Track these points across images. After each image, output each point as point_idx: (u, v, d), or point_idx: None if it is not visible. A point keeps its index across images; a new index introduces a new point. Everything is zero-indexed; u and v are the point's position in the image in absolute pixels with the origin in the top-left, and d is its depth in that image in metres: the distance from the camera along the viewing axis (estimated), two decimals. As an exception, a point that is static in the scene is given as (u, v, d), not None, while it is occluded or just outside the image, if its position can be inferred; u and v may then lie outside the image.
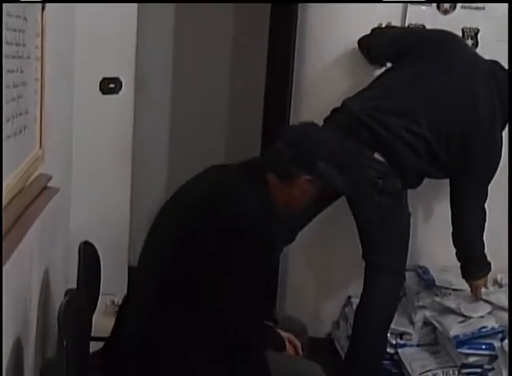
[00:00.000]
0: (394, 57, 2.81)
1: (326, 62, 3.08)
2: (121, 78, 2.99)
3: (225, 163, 2.16)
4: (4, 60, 1.44)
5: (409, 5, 2.97)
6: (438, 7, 2.97)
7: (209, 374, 1.92)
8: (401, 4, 2.98)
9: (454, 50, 2.72)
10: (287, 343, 2.09)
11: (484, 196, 2.70)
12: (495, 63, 2.72)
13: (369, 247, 2.72)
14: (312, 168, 1.98)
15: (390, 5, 2.97)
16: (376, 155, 2.61)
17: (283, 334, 2.10)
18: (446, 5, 2.97)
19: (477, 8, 2.96)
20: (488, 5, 2.96)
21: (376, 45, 2.93)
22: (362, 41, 2.96)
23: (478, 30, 2.97)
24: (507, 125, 2.72)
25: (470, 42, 2.95)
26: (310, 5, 3.02)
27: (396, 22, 2.99)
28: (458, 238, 2.75)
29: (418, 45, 2.76)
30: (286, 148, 2.00)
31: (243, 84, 3.82)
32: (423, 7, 2.97)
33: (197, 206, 1.94)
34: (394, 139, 2.59)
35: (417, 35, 2.88)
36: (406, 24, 2.99)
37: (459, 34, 2.93)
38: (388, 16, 2.96)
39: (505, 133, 2.78)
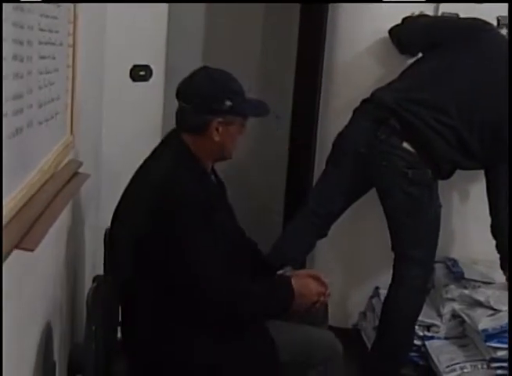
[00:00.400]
0: (426, 47, 2.78)
1: (357, 51, 3.06)
2: (152, 66, 3.00)
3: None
4: (37, 47, 1.45)
5: (442, -7, 2.93)
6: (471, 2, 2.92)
7: (213, 354, 1.90)
8: (434, -7, 2.94)
9: (486, 39, 2.68)
10: (310, 283, 2.05)
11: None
12: None
13: (399, 238, 2.70)
14: (216, 108, 1.94)
15: (423, -6, 2.93)
16: (406, 145, 2.59)
17: (296, 276, 2.07)
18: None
19: (512, -4, 2.91)
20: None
21: (408, 34, 2.90)
22: (393, 31, 2.93)
23: None
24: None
25: (504, 31, 2.90)
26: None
27: (429, 11, 2.95)
28: (496, 229, 2.72)
29: (449, 34, 2.73)
30: (183, 103, 1.98)
31: (272, 73, 3.80)
32: (456, 3, 2.92)
33: (144, 202, 1.93)
34: (425, 129, 2.57)
35: (449, 24, 2.84)
36: (439, 13, 2.96)
37: (494, 22, 2.88)
38: (421, 5, 2.92)
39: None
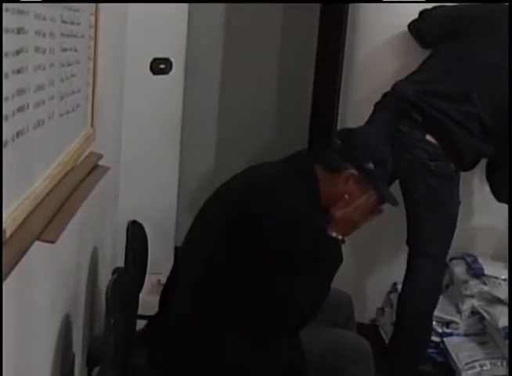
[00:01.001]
0: (445, 37, 2.74)
1: (378, 46, 3.03)
2: (172, 59, 3.00)
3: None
4: (59, 39, 1.45)
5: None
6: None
7: (240, 354, 1.91)
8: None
9: (505, 25, 2.63)
10: None
11: None
12: None
13: (416, 232, 2.69)
14: (360, 162, 1.96)
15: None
16: (429, 137, 2.57)
17: None
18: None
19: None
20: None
21: (427, 27, 2.86)
22: (412, 26, 2.91)
23: None
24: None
25: None
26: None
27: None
28: None
29: (468, 22, 2.68)
30: (338, 141, 1.99)
31: (292, 68, 3.79)
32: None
33: (239, 195, 1.93)
34: (447, 121, 2.55)
35: (466, 12, 2.77)
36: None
37: None
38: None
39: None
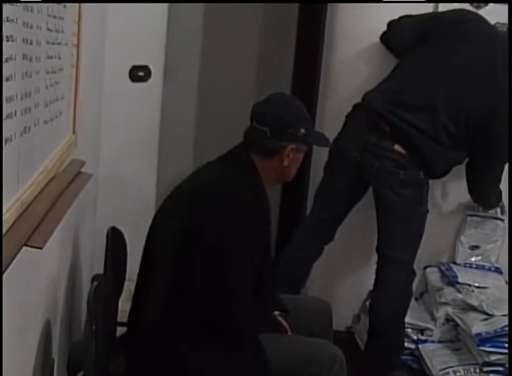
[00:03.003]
0: (412, 46, 2.78)
1: (356, 51, 3.06)
2: (150, 67, 3.01)
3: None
4: (45, 46, 1.46)
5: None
6: (470, 2, 2.94)
7: (203, 362, 1.93)
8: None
9: (472, 30, 2.69)
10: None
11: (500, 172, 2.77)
12: None
13: (384, 239, 2.74)
14: (293, 135, 2.01)
15: (422, -2, 2.94)
16: (397, 147, 2.62)
17: (285, 324, 2.13)
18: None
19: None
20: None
21: (394, 37, 2.91)
22: (382, 37, 2.96)
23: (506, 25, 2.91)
24: (507, 126, 2.66)
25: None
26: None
27: (429, 11, 2.94)
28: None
29: (436, 28, 2.73)
30: (259, 125, 2.02)
31: (270, 74, 3.82)
32: (455, 3, 2.94)
33: (192, 199, 1.98)
34: (414, 131, 2.60)
35: (434, 19, 2.82)
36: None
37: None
38: (420, 10, 2.93)
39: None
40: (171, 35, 3.15)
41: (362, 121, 2.69)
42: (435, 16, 2.84)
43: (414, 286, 2.94)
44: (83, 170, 1.97)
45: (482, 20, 2.75)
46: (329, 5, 3.05)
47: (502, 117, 2.62)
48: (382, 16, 2.94)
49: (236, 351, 1.96)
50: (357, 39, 3.05)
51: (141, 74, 3.01)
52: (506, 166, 2.80)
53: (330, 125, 2.89)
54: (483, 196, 2.93)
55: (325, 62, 3.10)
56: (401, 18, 2.87)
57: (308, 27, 3.14)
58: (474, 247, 3.12)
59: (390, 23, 2.89)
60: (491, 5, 2.91)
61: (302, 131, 2.02)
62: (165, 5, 3.00)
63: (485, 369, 2.76)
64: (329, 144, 2.26)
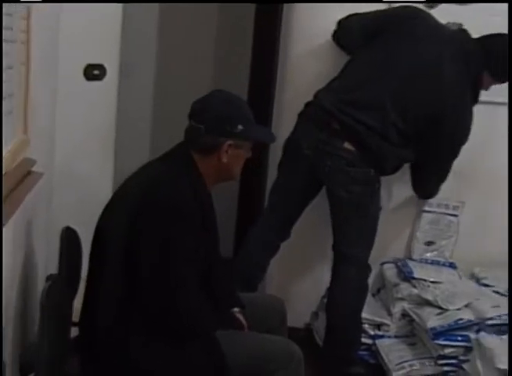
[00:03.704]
0: (364, 42, 2.81)
1: (312, 49, 3.07)
2: (106, 65, 2.98)
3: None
4: (-8, 43, 1.44)
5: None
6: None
7: (156, 361, 1.93)
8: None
9: (420, 28, 2.74)
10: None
11: (446, 172, 2.84)
12: (463, 31, 2.79)
13: (339, 236, 2.77)
14: (231, 131, 2.02)
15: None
16: (347, 144, 2.65)
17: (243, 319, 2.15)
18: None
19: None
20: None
21: (343, 35, 2.93)
22: (334, 36, 2.98)
23: (461, 25, 2.97)
24: (460, 121, 2.74)
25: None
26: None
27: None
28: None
29: (384, 26, 2.77)
30: (196, 123, 2.04)
31: (227, 70, 3.83)
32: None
33: (135, 199, 1.98)
34: (363, 129, 2.64)
35: (382, 16, 2.85)
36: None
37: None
38: (374, 8, 2.95)
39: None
40: (126, 33, 3.12)
41: (313, 119, 2.72)
42: (383, 13, 2.86)
43: (371, 282, 3.00)
44: (35, 169, 1.95)
45: (430, 18, 2.80)
46: (285, 5, 3.06)
47: (453, 113, 2.67)
48: (337, 15, 2.96)
49: (190, 349, 1.96)
50: (313, 37, 3.06)
51: (96, 72, 2.98)
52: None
53: (287, 122, 2.91)
54: (430, 190, 2.98)
55: (281, 60, 3.11)
56: (350, 16, 2.90)
57: (264, 26, 3.16)
58: (429, 243, 3.18)
59: (340, 22, 2.92)
60: (444, 4, 2.95)
61: (240, 127, 2.02)
62: (120, 4, 2.97)
63: (440, 362, 2.81)
64: (273, 139, 2.24)
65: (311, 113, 2.76)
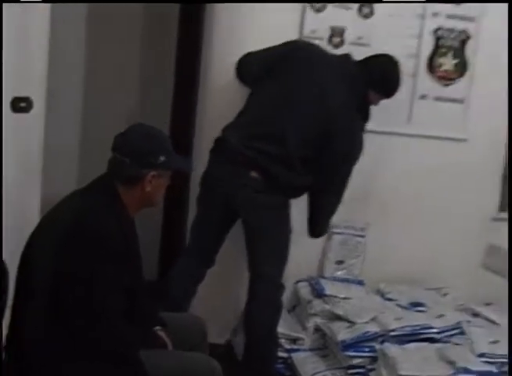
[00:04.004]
0: (262, 77, 3.03)
1: (231, 78, 3.26)
2: (32, 98, 3.08)
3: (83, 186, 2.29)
4: None
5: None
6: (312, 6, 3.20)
7: None
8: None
9: (309, 56, 2.98)
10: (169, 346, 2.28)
11: (340, 196, 2.99)
12: (346, 55, 3.03)
13: (253, 258, 2.97)
14: (153, 163, 2.17)
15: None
16: (253, 173, 2.87)
17: (166, 337, 2.29)
18: (319, 5, 3.21)
19: (345, 7, 3.23)
20: (355, 6, 3.23)
21: (245, 73, 3.17)
22: (236, 74, 3.21)
23: (344, 30, 3.22)
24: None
25: (337, 40, 3.21)
26: (217, 6, 3.21)
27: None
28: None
29: (273, 62, 3.00)
30: (120, 156, 2.18)
31: (153, 97, 3.98)
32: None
33: (63, 229, 2.08)
34: (267, 159, 2.86)
35: (271, 54, 3.07)
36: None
37: (328, 32, 3.21)
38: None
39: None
40: (52, 65, 3.23)
41: (222, 155, 2.93)
42: (277, 48, 3.08)
43: (287, 299, 3.20)
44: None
45: (316, 48, 3.06)
46: (208, 14, 3.24)
47: (343, 131, 2.88)
48: (258, 15, 3.17)
49: (116, 370, 2.07)
50: (232, 70, 3.24)
51: (22, 104, 3.08)
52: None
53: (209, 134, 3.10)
54: (322, 226, 3.12)
55: (201, 93, 3.29)
56: (248, 54, 3.13)
57: (185, 61, 3.35)
58: (339, 262, 3.42)
59: (240, 60, 3.15)
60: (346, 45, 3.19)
61: (162, 158, 2.18)
62: (46, 36, 3.07)
63: (350, 371, 3.00)
64: (192, 168, 2.45)
65: (220, 148, 2.98)
